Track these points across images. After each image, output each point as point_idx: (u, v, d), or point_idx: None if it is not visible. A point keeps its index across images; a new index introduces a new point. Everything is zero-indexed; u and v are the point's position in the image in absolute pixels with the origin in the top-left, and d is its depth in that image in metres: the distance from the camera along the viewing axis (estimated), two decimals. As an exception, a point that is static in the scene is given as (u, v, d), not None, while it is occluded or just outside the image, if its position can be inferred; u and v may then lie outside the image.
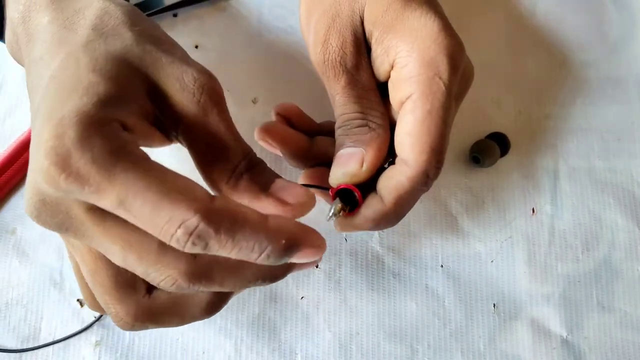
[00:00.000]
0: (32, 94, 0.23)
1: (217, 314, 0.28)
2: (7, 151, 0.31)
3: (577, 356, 0.30)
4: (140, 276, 0.21)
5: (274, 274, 0.23)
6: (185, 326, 0.28)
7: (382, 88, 0.27)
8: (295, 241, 0.20)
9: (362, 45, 0.26)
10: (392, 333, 0.30)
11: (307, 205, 0.23)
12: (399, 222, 0.30)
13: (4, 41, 0.27)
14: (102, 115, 0.19)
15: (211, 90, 0.23)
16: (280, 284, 0.30)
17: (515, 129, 0.33)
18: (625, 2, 0.36)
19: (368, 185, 0.26)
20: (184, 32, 0.34)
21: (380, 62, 0.26)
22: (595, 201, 0.32)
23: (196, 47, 0.34)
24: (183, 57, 0.23)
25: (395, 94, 0.25)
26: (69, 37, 0.22)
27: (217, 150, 0.23)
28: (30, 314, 0.30)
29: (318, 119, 0.31)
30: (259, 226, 0.19)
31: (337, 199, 0.25)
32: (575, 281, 0.31)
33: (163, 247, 0.20)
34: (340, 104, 0.26)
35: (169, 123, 0.23)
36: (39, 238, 0.31)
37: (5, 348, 0.29)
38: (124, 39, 0.22)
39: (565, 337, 0.30)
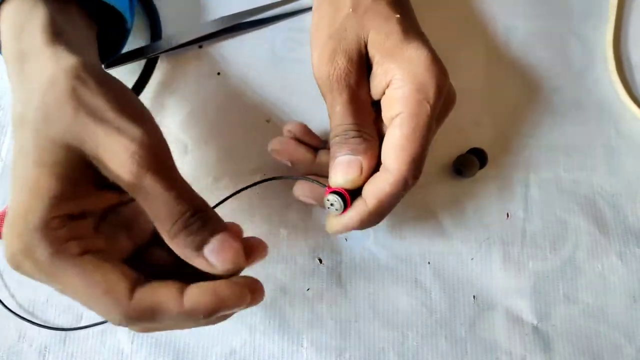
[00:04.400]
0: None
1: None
2: None
3: (546, 341, 0.31)
4: None
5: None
6: None
7: (374, 104, 0.29)
8: (212, 311, 0.22)
9: (364, 66, 0.28)
10: (386, 321, 0.32)
11: (233, 269, 0.23)
12: (394, 226, 0.32)
13: None
14: (44, 219, 0.21)
15: (143, 157, 0.22)
16: (288, 278, 0.32)
17: (493, 145, 0.35)
18: (586, 37, 0.38)
19: (355, 191, 0.27)
20: (207, 61, 0.36)
21: (379, 81, 0.27)
22: (561, 208, 0.34)
23: (218, 74, 0.36)
24: (120, 123, 0.23)
25: (387, 110, 0.27)
26: (23, 116, 0.23)
27: (159, 207, 0.23)
28: (74, 301, 0.32)
29: (323, 136, 0.33)
30: (174, 313, 0.22)
31: (336, 196, 0.27)
32: (544, 276, 0.33)
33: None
34: (340, 115, 0.27)
35: (114, 186, 0.23)
36: None
37: (52, 326, 0.31)
38: (63, 118, 0.22)
39: (535, 324, 0.32)
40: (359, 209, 0.27)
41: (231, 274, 0.24)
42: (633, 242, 0.33)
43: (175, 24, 0.37)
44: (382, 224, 0.32)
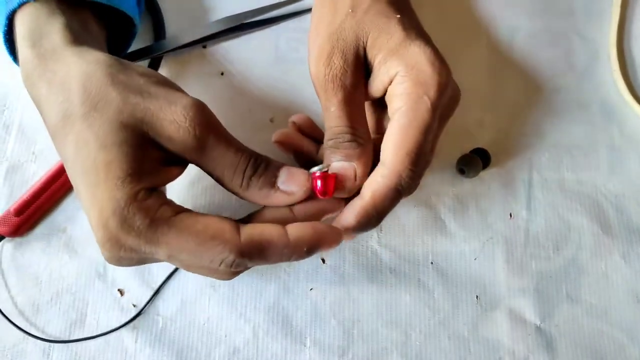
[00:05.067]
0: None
1: (237, 302, 0.31)
2: (60, 161, 0.33)
3: (548, 341, 0.31)
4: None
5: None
6: (210, 313, 0.31)
7: (379, 103, 0.29)
8: (314, 245, 0.24)
9: (361, 67, 0.27)
10: (389, 320, 0.32)
11: (308, 189, 0.25)
12: (396, 225, 0.33)
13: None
14: (130, 194, 0.22)
15: (203, 120, 0.24)
16: (292, 278, 0.32)
17: (496, 145, 0.35)
18: (589, 37, 0.38)
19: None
20: (211, 61, 0.36)
21: (381, 80, 0.27)
22: (565, 207, 0.34)
23: (222, 73, 0.36)
24: (167, 96, 0.24)
25: (389, 106, 0.27)
26: (68, 114, 0.23)
27: (224, 166, 0.25)
28: (77, 301, 0.32)
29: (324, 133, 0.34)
30: (282, 245, 0.23)
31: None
32: (547, 276, 0.33)
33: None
34: (333, 116, 0.27)
35: (177, 157, 0.25)
36: (86, 236, 0.33)
37: (56, 332, 0.31)
38: (112, 102, 0.23)
39: (538, 324, 0.32)
40: (355, 203, 0.26)
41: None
42: (636, 242, 0.34)
43: (179, 24, 0.37)
44: (385, 223, 0.33)
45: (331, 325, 0.32)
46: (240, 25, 0.37)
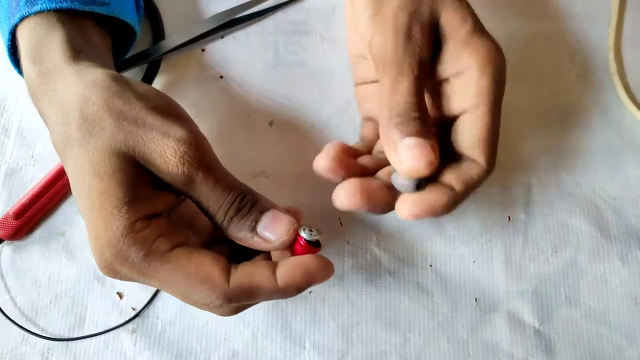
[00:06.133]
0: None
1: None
2: (59, 165, 0.33)
3: (547, 344, 0.32)
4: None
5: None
6: (209, 316, 0.31)
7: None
8: (303, 287, 0.24)
9: (432, 45, 0.26)
10: (388, 323, 0.32)
11: (287, 241, 0.24)
12: (396, 228, 0.33)
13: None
14: (126, 224, 0.22)
15: (192, 156, 0.23)
16: None
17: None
18: (587, 40, 0.38)
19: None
20: (210, 64, 0.36)
21: (447, 67, 0.26)
22: (563, 210, 0.34)
23: (221, 77, 0.36)
24: (162, 127, 0.23)
25: (458, 97, 0.26)
26: (66, 136, 0.24)
27: (209, 202, 0.24)
28: (76, 304, 0.32)
29: (324, 137, 0.34)
30: (271, 290, 0.23)
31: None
32: (545, 279, 0.33)
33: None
34: (405, 92, 0.24)
35: (167, 186, 0.24)
36: (85, 240, 0.33)
37: (55, 335, 0.32)
38: (106, 129, 0.23)
39: (537, 327, 0.32)
40: (447, 192, 0.24)
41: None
42: (635, 245, 0.34)
43: (173, 25, 0.37)
44: (385, 225, 0.33)
45: (330, 328, 0.32)
46: (235, 20, 0.37)
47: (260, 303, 0.32)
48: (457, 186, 0.25)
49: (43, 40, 0.26)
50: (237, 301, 0.23)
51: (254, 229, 0.24)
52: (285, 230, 0.24)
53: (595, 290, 0.33)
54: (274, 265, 0.24)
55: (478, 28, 0.26)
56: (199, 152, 0.24)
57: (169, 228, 0.24)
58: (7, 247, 0.33)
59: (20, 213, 0.33)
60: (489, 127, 0.25)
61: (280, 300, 0.32)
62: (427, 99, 0.27)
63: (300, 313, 0.32)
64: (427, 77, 0.26)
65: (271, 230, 0.24)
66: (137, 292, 0.33)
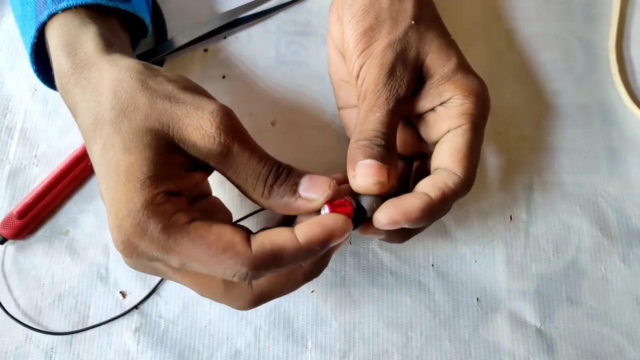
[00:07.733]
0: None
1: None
2: (62, 165, 0.33)
3: (549, 343, 0.32)
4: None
5: (318, 269, 0.26)
6: (212, 315, 0.31)
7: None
8: (326, 241, 0.23)
9: (415, 81, 0.28)
10: (390, 323, 0.32)
11: (330, 195, 0.25)
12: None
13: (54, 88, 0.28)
14: (147, 197, 0.22)
15: (228, 126, 0.24)
16: None
17: (495, 148, 0.35)
18: (588, 40, 0.38)
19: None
20: (213, 64, 0.36)
21: (430, 99, 0.28)
22: (564, 210, 0.34)
23: (223, 77, 0.36)
24: (194, 102, 0.24)
25: (441, 122, 0.28)
26: (99, 117, 0.24)
27: (247, 174, 0.25)
28: (79, 303, 0.32)
29: (325, 137, 0.34)
30: (295, 249, 0.23)
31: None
32: (547, 279, 0.33)
33: (226, 282, 0.25)
34: (376, 120, 0.26)
35: (202, 163, 0.25)
36: (88, 239, 0.33)
37: (58, 331, 0.32)
38: (140, 108, 0.24)
39: (539, 327, 0.32)
40: (422, 198, 0.25)
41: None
42: (636, 245, 0.34)
43: (176, 25, 0.37)
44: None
45: (332, 328, 0.32)
46: (238, 20, 0.37)
47: (262, 305, 0.32)
48: (432, 192, 0.25)
49: (76, 34, 0.27)
50: (263, 268, 0.22)
51: (295, 192, 0.25)
52: (326, 187, 0.25)
53: (597, 290, 0.33)
54: (291, 229, 0.24)
55: (463, 66, 0.28)
56: (233, 122, 0.24)
57: (188, 205, 0.24)
58: (10, 247, 0.33)
59: (23, 212, 0.33)
60: (468, 143, 0.26)
61: (282, 299, 0.32)
62: (410, 133, 0.30)
63: (302, 312, 0.32)
64: (405, 113, 0.28)
65: (313, 190, 0.25)
66: (140, 292, 0.33)
